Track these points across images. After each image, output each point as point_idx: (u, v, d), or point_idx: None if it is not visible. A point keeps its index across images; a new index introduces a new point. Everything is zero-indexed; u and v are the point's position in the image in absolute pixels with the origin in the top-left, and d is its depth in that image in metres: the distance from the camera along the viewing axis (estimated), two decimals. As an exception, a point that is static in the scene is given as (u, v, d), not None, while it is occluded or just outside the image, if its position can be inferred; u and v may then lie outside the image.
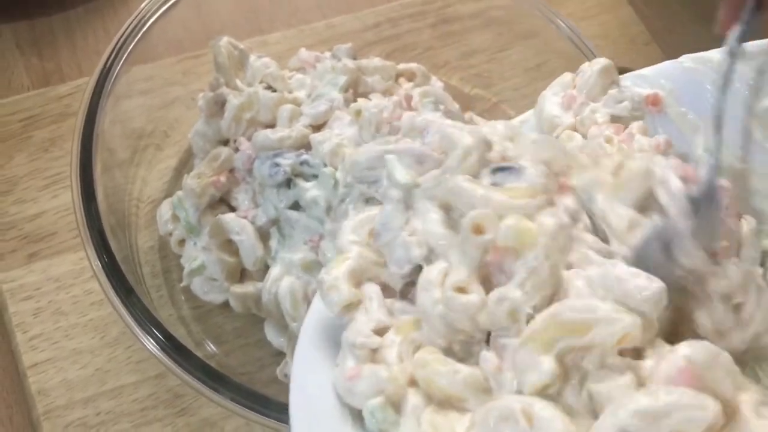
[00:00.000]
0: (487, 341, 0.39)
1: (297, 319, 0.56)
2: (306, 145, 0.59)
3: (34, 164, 0.67)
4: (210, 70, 0.64)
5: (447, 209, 0.41)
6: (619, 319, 0.36)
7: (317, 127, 0.60)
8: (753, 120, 0.47)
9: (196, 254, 0.60)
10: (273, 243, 0.60)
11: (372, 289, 0.41)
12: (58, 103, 0.70)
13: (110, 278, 0.52)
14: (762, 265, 0.45)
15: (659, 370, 0.35)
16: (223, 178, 0.61)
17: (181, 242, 0.62)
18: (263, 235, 0.60)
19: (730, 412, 0.35)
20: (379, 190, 0.43)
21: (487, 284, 0.39)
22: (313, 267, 0.57)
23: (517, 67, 0.71)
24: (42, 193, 0.66)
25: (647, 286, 0.37)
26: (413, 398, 0.37)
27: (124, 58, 0.60)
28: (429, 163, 0.43)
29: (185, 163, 0.66)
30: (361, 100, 0.61)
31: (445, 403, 0.37)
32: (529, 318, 0.37)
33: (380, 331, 0.39)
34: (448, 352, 0.39)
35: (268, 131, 0.59)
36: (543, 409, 0.34)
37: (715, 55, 0.48)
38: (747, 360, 0.41)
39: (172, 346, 0.50)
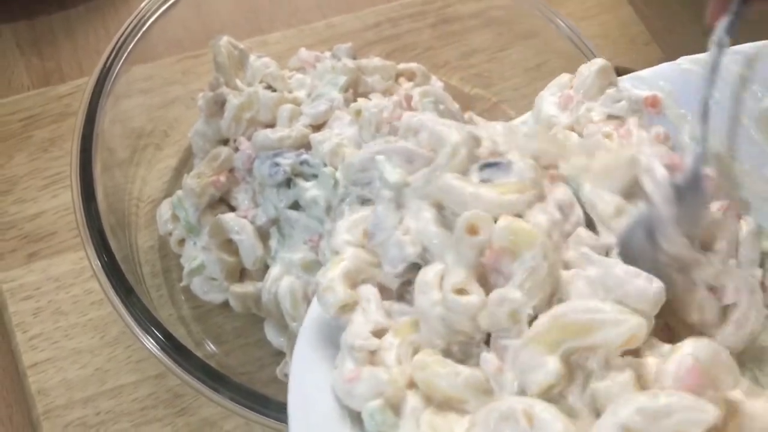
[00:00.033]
0: (487, 342, 0.39)
1: (297, 318, 0.56)
2: (306, 145, 0.59)
3: (34, 164, 0.67)
4: (210, 69, 0.64)
5: (439, 207, 0.41)
6: (625, 321, 0.36)
7: (317, 127, 0.60)
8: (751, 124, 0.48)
9: (196, 254, 0.60)
10: (273, 243, 0.60)
11: (370, 291, 0.41)
12: (58, 102, 0.70)
13: (110, 278, 0.52)
14: (761, 266, 0.45)
15: (666, 370, 0.35)
16: (222, 178, 0.61)
17: (181, 242, 0.62)
18: (263, 235, 0.60)
19: (732, 410, 0.35)
20: (373, 192, 0.44)
21: (483, 283, 0.39)
22: (313, 267, 0.57)
23: (517, 67, 0.71)
24: (42, 193, 0.66)
25: (647, 286, 0.37)
26: (412, 400, 0.37)
27: (123, 58, 0.60)
28: (419, 161, 0.43)
29: (185, 163, 0.66)
30: (361, 100, 0.61)
31: (444, 404, 0.37)
32: (530, 318, 0.37)
33: (379, 333, 0.39)
34: (447, 353, 0.39)
35: (268, 131, 0.59)
36: (544, 410, 0.34)
37: None
38: (745, 361, 0.42)
39: (172, 346, 0.50)
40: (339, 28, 0.73)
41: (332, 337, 0.41)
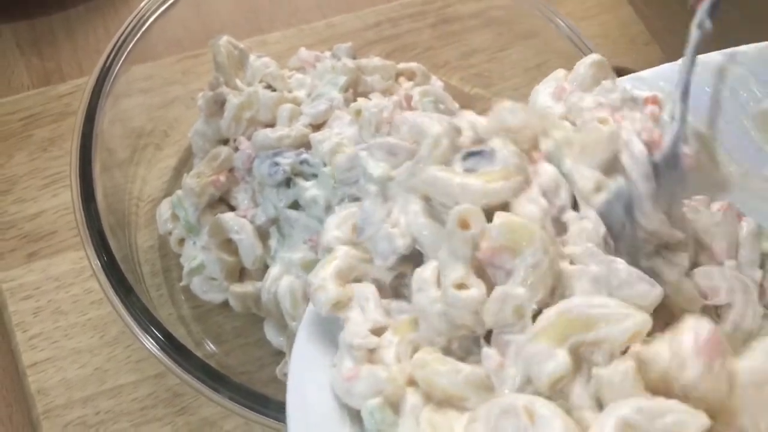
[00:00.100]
0: (487, 338, 0.39)
1: (296, 318, 0.56)
2: (306, 145, 0.59)
3: (34, 163, 0.67)
4: (210, 69, 0.64)
5: (426, 199, 0.41)
6: (630, 316, 0.36)
7: (317, 127, 0.60)
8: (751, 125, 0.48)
9: (196, 253, 0.60)
10: (272, 242, 0.60)
11: (368, 290, 0.41)
12: (58, 102, 0.70)
13: (110, 277, 0.52)
14: (761, 267, 0.45)
15: (683, 341, 0.35)
16: (222, 178, 0.61)
17: (181, 241, 0.62)
18: (263, 235, 0.60)
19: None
20: (360, 189, 0.44)
21: (480, 274, 0.39)
22: (313, 266, 0.56)
23: (517, 66, 0.71)
24: (42, 193, 0.66)
25: (649, 290, 0.37)
26: (412, 398, 0.37)
27: (123, 58, 0.60)
28: (402, 154, 0.43)
29: (185, 163, 0.66)
30: (361, 100, 0.61)
31: (444, 402, 0.37)
32: (535, 313, 0.37)
33: (377, 332, 0.39)
34: (447, 351, 0.39)
35: (268, 130, 0.59)
36: (544, 407, 0.34)
37: (715, 57, 0.48)
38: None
39: (172, 346, 0.50)
40: (339, 28, 0.73)
41: (331, 336, 0.41)
